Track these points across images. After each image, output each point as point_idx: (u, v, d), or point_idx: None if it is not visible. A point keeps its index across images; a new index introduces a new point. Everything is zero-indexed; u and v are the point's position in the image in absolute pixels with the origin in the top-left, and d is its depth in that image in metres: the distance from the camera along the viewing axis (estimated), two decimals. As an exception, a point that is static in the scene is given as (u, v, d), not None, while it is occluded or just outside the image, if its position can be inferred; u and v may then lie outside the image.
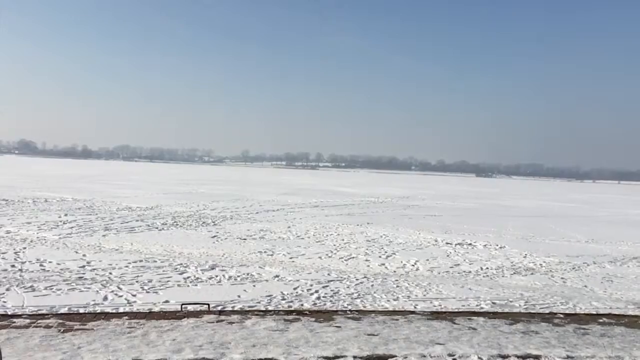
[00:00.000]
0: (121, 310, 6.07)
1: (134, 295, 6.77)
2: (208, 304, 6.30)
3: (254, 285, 7.66)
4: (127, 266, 8.55)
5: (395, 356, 4.72)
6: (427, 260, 10.59)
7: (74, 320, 5.46)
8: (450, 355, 4.80)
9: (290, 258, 10.13)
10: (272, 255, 10.40)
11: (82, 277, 7.65)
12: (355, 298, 7.19)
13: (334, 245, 12.06)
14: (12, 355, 4.35)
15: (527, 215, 25.02)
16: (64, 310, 5.94)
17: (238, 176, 70.49)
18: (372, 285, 8.00)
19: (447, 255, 11.31)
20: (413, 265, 9.92)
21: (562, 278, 9.38)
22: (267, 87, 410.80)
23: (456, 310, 6.74)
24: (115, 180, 40.50)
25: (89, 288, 7.04)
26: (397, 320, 5.95)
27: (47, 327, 5.17)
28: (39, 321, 5.36)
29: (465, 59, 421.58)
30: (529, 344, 5.22)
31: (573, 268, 10.48)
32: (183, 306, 6.15)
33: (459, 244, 13.23)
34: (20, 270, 7.93)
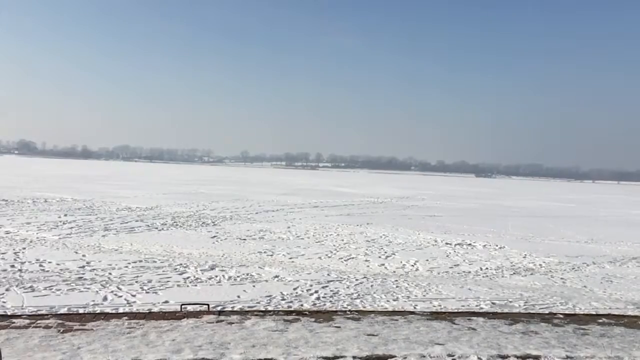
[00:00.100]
0: (121, 310, 6.07)
1: (134, 296, 6.77)
2: (208, 305, 6.30)
3: (254, 286, 7.66)
4: (126, 266, 8.55)
5: (395, 356, 4.72)
6: (427, 260, 10.59)
7: (73, 320, 5.46)
8: (449, 355, 4.80)
9: (290, 258, 10.13)
10: (271, 255, 10.40)
11: (81, 278, 7.64)
12: (355, 298, 7.19)
13: (334, 245, 12.07)
14: (12, 355, 4.35)
15: (527, 215, 25.03)
16: (63, 311, 5.94)
17: (238, 176, 70.48)
18: (372, 286, 8.00)
19: (447, 256, 11.32)
20: (413, 266, 9.92)
21: (561, 278, 9.39)
22: (267, 87, 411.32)
23: (456, 310, 6.74)
24: (115, 181, 40.50)
25: (88, 288, 7.03)
26: (396, 320, 5.95)
27: (47, 327, 5.17)
28: (38, 321, 5.35)
29: (465, 59, 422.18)
30: (528, 344, 5.23)
31: (573, 268, 10.49)
32: (183, 306, 6.15)
33: (458, 244, 13.23)
34: (20, 270, 7.93)
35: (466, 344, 5.16)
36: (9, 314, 5.70)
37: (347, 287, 7.81)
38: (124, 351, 4.55)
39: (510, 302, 7.37)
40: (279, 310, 6.31)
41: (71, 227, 12.93)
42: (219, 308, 6.33)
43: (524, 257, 11.64)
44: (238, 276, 8.24)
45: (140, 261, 9.03)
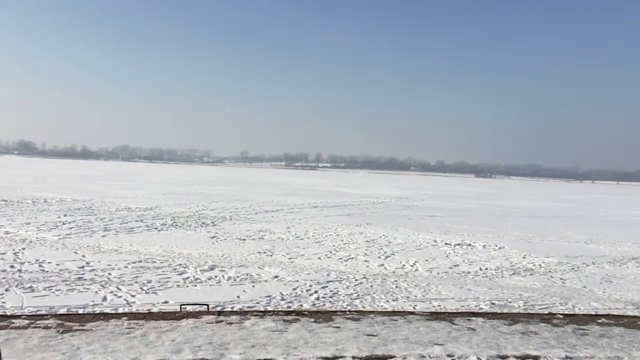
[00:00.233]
0: (120, 310, 6.07)
1: (133, 296, 6.77)
2: (207, 305, 6.30)
3: (253, 286, 7.66)
4: (126, 267, 8.55)
5: (394, 357, 4.72)
6: (426, 260, 10.59)
7: (73, 320, 5.46)
8: (449, 355, 4.80)
9: (290, 258, 10.13)
10: (271, 255, 10.40)
11: (81, 278, 7.64)
12: (355, 298, 7.19)
13: (333, 245, 12.07)
14: (11, 355, 4.34)
15: (527, 215, 25.04)
16: (63, 311, 5.94)
17: (237, 176, 70.49)
18: (371, 286, 8.00)
19: (446, 256, 11.32)
20: (412, 266, 9.93)
21: (561, 278, 9.39)
22: (267, 87, 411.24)
23: (455, 310, 6.74)
24: (115, 181, 40.49)
25: (88, 289, 7.03)
26: (396, 320, 5.95)
27: (46, 327, 5.17)
28: (38, 322, 5.35)
29: (465, 59, 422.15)
30: (528, 345, 5.23)
31: (572, 268, 10.49)
32: (182, 307, 6.15)
33: (458, 244, 13.23)
34: (20, 270, 7.93)
35: (466, 344, 5.16)
36: (8, 314, 5.70)
37: (347, 288, 7.81)
38: (123, 351, 4.55)
39: (510, 302, 7.37)
40: (278, 311, 6.31)
41: (71, 228, 12.93)
42: (218, 308, 6.33)
43: (524, 257, 11.64)
44: (238, 276, 8.24)
45: (140, 261, 9.03)
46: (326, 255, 10.72)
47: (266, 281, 8.02)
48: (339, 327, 5.57)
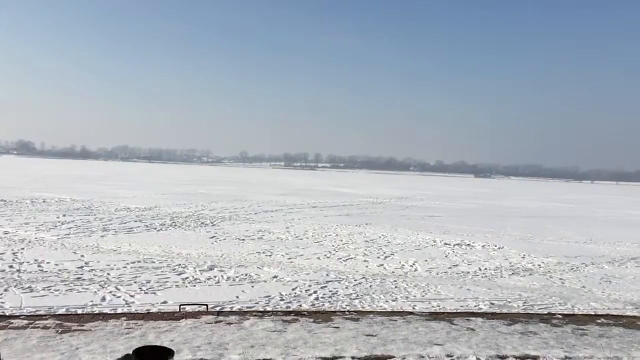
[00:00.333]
0: (119, 311, 6.06)
1: (133, 296, 6.76)
2: (207, 305, 6.29)
3: (253, 286, 7.65)
4: (125, 267, 8.54)
5: (394, 357, 4.71)
6: (426, 261, 10.59)
7: (72, 321, 5.45)
8: (448, 356, 4.80)
9: (289, 259, 10.13)
10: (270, 256, 10.40)
11: (80, 278, 7.63)
12: (354, 299, 7.19)
13: (333, 246, 12.06)
14: (10, 356, 4.34)
15: (526, 216, 25.04)
16: (62, 311, 5.93)
17: (237, 177, 70.47)
18: (371, 286, 8.00)
19: (446, 256, 11.32)
20: (412, 266, 9.92)
21: (560, 279, 9.39)
22: (267, 87, 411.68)
23: (455, 311, 6.74)
24: (114, 181, 40.47)
25: (87, 289, 7.02)
26: (395, 321, 5.95)
27: (45, 328, 5.16)
28: (37, 322, 5.34)
29: (465, 59, 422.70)
30: (527, 345, 5.23)
31: (572, 269, 10.49)
32: (181, 307, 6.14)
33: (457, 244, 13.23)
34: (19, 271, 7.91)
35: (465, 344, 5.16)
36: (7, 314, 5.69)
37: (346, 288, 7.81)
38: (122, 352, 4.54)
39: (509, 302, 7.37)
40: (277, 311, 6.30)
41: (70, 228, 12.92)
42: (217, 309, 6.32)
43: (523, 257, 11.64)
44: (237, 277, 8.23)
45: (139, 262, 9.02)
46: (325, 255, 10.71)
47: (265, 281, 8.02)
48: (338, 328, 5.57)
